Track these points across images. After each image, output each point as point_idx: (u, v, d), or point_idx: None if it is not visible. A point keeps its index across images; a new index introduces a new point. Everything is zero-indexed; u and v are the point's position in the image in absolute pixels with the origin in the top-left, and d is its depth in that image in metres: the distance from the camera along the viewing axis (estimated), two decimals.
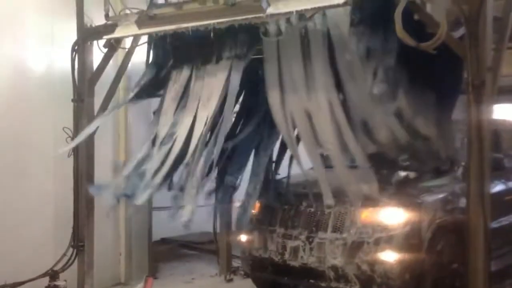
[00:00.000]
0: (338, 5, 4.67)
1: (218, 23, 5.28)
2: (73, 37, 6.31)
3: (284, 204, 6.26)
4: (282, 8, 4.91)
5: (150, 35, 5.90)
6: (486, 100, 4.66)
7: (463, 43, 4.67)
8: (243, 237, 6.53)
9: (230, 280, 7.55)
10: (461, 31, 4.81)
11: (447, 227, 5.78)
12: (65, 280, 6.19)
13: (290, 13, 4.94)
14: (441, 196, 5.99)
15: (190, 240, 9.15)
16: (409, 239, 5.56)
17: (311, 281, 5.94)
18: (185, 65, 5.95)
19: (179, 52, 5.97)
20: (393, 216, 5.64)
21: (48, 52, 6.73)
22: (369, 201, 5.57)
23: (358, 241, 5.64)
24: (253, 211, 6.30)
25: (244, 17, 5.13)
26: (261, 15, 4.98)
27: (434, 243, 5.69)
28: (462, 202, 5.77)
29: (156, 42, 6.06)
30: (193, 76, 5.87)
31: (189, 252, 9.05)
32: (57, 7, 6.68)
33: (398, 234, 5.55)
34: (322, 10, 4.95)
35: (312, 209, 6.04)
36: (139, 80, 6.16)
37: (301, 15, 5.08)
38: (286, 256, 6.04)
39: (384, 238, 5.56)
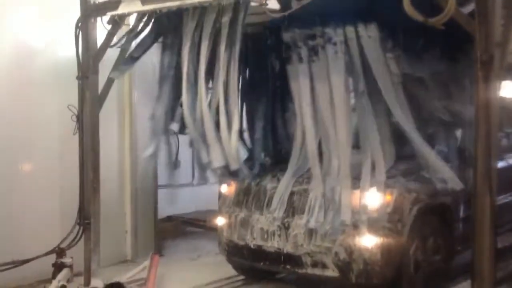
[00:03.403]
0: None
1: None
2: (77, 13, 6.26)
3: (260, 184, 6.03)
4: None
5: None
6: (495, 76, 4.60)
7: (472, 19, 4.61)
8: (219, 221, 6.30)
9: None
10: (470, 7, 4.74)
11: (430, 210, 5.54)
12: (72, 257, 6.21)
13: None
14: (424, 178, 5.63)
15: (196, 218, 9.16)
16: (389, 224, 5.26)
17: (288, 267, 5.68)
18: None
19: None
20: (372, 198, 5.32)
21: (52, 29, 6.68)
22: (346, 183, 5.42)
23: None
24: (228, 194, 6.23)
25: None
26: None
27: (416, 228, 5.41)
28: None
29: None
30: None
31: (195, 230, 9.07)
32: None
33: (377, 218, 5.25)
34: None
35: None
36: None
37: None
38: (262, 241, 5.78)
39: (362, 222, 5.26)
